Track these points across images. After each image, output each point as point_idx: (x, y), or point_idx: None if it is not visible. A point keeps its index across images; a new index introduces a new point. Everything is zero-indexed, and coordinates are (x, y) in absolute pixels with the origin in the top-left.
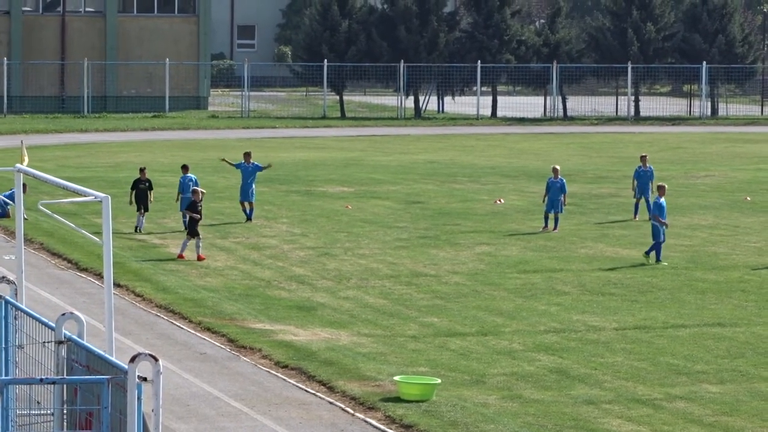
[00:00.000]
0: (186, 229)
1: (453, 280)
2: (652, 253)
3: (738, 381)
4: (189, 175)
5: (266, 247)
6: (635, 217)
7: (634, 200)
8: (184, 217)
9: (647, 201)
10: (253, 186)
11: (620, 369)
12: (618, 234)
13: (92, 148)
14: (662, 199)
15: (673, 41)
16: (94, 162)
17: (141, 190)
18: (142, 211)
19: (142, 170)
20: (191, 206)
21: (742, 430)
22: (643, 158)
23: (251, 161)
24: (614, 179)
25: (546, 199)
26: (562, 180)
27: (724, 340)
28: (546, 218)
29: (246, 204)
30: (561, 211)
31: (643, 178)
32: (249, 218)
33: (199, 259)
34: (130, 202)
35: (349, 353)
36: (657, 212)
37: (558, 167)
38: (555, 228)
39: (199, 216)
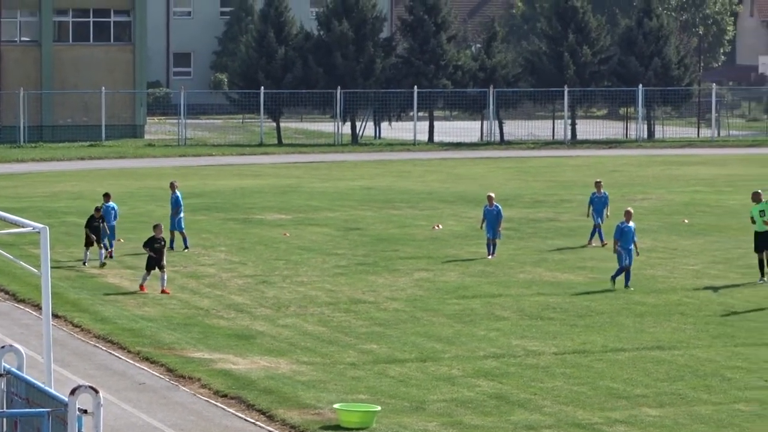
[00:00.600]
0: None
1: (392, 307)
2: (619, 278)
3: (677, 404)
4: (110, 203)
5: (204, 276)
6: (589, 243)
7: (593, 225)
8: (109, 246)
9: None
10: (181, 215)
11: (560, 393)
12: (556, 258)
13: (29, 178)
14: (630, 224)
15: (609, 64)
16: (31, 192)
17: (94, 228)
18: (103, 245)
19: (98, 209)
20: (150, 242)
21: None
22: (597, 184)
23: (176, 191)
24: (552, 203)
25: (483, 225)
26: (497, 207)
27: (663, 363)
28: (488, 245)
29: (174, 233)
30: (499, 237)
31: (597, 204)
32: (185, 246)
33: (163, 292)
34: (85, 244)
35: (288, 381)
36: (618, 236)
37: (492, 195)
38: (493, 253)
39: (155, 255)
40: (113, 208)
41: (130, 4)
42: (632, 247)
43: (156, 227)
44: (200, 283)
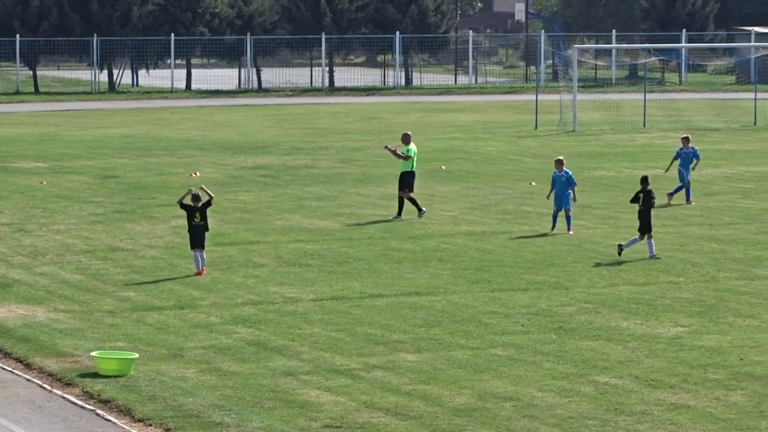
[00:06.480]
0: None
1: (149, 254)
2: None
3: (435, 349)
4: None
5: None
6: (685, 200)
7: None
8: None
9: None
10: None
11: (318, 340)
12: (314, 205)
13: None
14: None
15: (366, 12)
16: None
17: None
18: None
19: None
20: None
21: (439, 398)
22: (685, 139)
23: None
24: (309, 150)
25: (551, 195)
26: (567, 172)
27: (420, 309)
28: (554, 218)
29: None
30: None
31: (685, 160)
32: None
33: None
34: None
35: (45, 329)
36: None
37: (562, 158)
38: (569, 228)
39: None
40: None
41: None
42: None
43: (195, 197)
44: None
